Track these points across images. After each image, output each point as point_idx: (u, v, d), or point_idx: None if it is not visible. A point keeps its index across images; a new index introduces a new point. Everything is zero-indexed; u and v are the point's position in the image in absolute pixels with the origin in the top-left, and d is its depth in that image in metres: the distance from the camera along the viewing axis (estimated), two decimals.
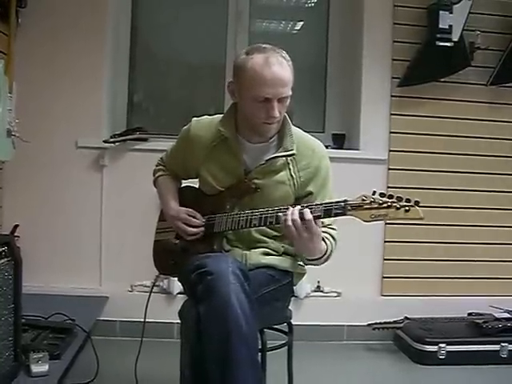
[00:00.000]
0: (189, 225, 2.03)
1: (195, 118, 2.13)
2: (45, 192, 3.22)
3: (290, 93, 1.92)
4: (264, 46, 1.94)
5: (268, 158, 1.99)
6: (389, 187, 3.33)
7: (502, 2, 3.39)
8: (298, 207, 1.82)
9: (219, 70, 3.52)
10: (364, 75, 3.37)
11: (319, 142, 2.11)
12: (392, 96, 3.38)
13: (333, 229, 2.00)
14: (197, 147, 2.06)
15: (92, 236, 3.26)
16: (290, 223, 1.78)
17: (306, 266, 2.13)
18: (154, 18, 3.58)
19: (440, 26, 3.17)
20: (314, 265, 1.99)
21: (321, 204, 1.81)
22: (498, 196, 3.46)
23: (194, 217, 2.04)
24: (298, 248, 1.95)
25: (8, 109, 2.69)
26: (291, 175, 2.01)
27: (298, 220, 1.78)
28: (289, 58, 1.93)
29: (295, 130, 2.06)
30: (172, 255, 2.12)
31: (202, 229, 2.03)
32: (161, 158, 2.30)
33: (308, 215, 1.77)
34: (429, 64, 3.28)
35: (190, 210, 2.06)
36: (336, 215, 1.77)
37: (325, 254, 1.93)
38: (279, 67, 1.88)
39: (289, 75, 1.90)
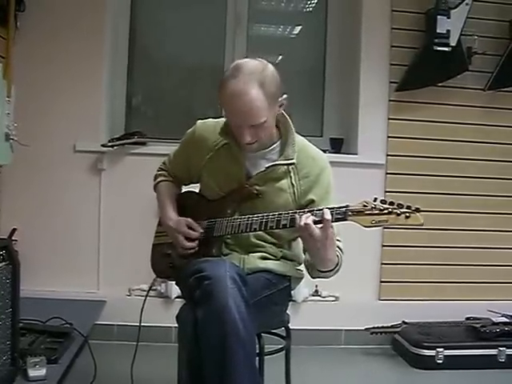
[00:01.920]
0: (187, 238, 2.01)
1: (200, 121, 2.13)
2: (43, 196, 3.22)
3: (263, 120, 1.85)
4: (242, 65, 1.86)
5: (268, 165, 1.99)
6: (386, 191, 3.34)
7: (499, 6, 3.40)
8: (305, 213, 1.80)
9: (218, 73, 3.51)
10: (362, 79, 3.38)
11: (322, 152, 2.10)
12: (390, 100, 3.39)
13: (338, 240, 1.95)
14: (201, 148, 2.06)
15: (90, 240, 3.26)
16: (309, 221, 1.75)
17: (304, 271, 2.11)
18: (152, 21, 3.59)
19: (438, 30, 3.18)
20: (324, 277, 1.95)
21: (322, 209, 1.80)
22: (496, 200, 3.46)
23: (192, 229, 2.02)
24: (313, 254, 1.87)
25: (6, 112, 2.68)
26: (292, 183, 2.01)
27: (315, 219, 1.75)
28: (266, 79, 1.83)
29: (299, 138, 2.05)
30: (170, 259, 2.12)
31: (197, 242, 2.01)
32: (163, 163, 2.29)
33: (327, 215, 1.74)
34: (427, 68, 3.28)
35: (190, 220, 2.03)
36: (337, 220, 1.77)
37: (336, 265, 1.90)
38: (244, 99, 1.81)
39: (256, 106, 1.82)
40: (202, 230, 2.02)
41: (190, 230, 2.02)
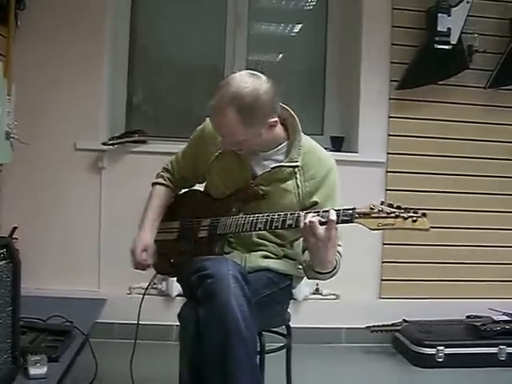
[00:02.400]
0: (139, 263, 2.13)
1: None
2: (43, 194, 3.22)
3: (239, 139, 1.88)
4: (232, 82, 1.88)
5: (273, 166, 1.99)
6: (387, 190, 3.34)
7: (500, 4, 3.40)
8: (311, 213, 1.80)
9: (218, 73, 3.52)
10: (363, 78, 3.38)
11: (329, 154, 2.10)
12: (390, 99, 3.39)
13: (339, 245, 1.93)
14: (211, 144, 2.06)
15: (90, 238, 3.26)
16: (314, 219, 1.75)
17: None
18: (152, 21, 3.58)
19: (438, 28, 3.18)
20: (320, 279, 1.96)
21: (328, 210, 1.79)
22: (497, 199, 3.46)
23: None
24: (313, 253, 1.85)
25: (7, 111, 2.68)
26: (297, 184, 2.00)
27: (321, 220, 1.75)
28: (248, 104, 1.82)
29: (306, 139, 2.05)
30: (171, 255, 2.13)
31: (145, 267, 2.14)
32: (170, 161, 2.28)
33: (333, 216, 1.73)
34: (427, 67, 3.28)
35: (149, 250, 2.13)
36: (343, 222, 1.75)
37: (334, 268, 1.90)
38: (219, 120, 1.87)
39: (230, 129, 1.86)
40: (150, 262, 2.13)
41: (144, 255, 2.12)
